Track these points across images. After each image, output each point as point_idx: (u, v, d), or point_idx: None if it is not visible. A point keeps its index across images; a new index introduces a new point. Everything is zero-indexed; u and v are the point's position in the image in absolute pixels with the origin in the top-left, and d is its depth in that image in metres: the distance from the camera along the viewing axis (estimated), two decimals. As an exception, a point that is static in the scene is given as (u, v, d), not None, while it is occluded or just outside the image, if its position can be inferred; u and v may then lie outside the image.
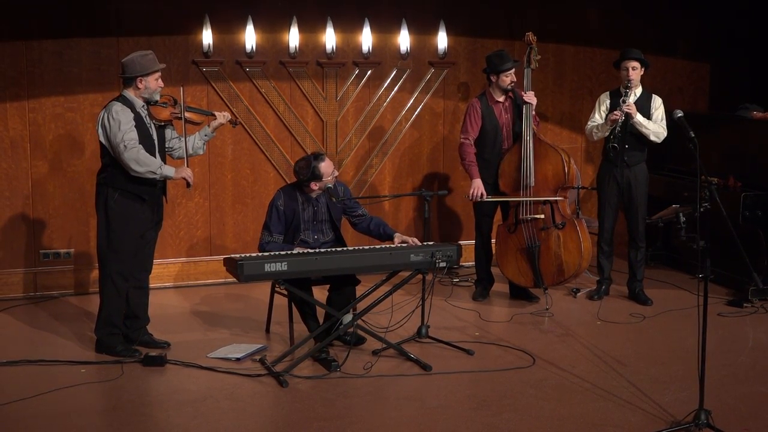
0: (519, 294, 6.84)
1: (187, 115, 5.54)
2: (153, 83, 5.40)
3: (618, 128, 6.50)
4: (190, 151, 5.67)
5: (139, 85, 5.38)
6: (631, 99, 6.55)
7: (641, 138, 6.58)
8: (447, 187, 7.75)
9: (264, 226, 5.70)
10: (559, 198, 6.53)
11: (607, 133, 6.58)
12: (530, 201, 6.52)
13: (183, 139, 5.57)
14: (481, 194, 6.55)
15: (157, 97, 5.46)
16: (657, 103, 6.63)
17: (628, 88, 6.51)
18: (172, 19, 6.99)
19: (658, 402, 4.80)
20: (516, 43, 7.65)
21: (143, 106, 5.42)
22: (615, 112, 6.48)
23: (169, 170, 5.38)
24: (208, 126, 5.71)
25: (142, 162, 5.28)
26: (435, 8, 7.63)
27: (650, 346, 5.78)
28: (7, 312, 6.48)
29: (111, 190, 5.38)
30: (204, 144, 5.75)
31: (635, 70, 6.52)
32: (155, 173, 5.33)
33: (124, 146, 5.24)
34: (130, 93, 5.40)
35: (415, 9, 7.58)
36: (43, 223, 6.90)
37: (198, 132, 5.71)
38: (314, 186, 5.63)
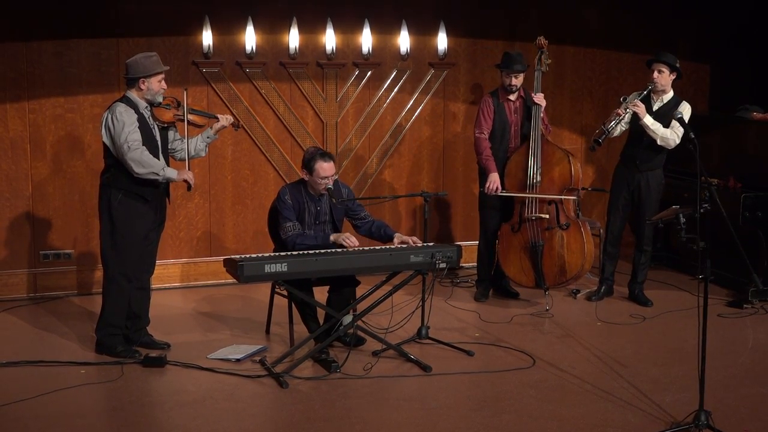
0: (503, 293, 6.92)
1: (190, 117, 5.55)
2: (156, 85, 5.40)
3: (612, 124, 6.42)
4: (192, 153, 5.66)
5: (142, 86, 5.39)
6: (658, 104, 6.47)
7: (656, 144, 6.45)
8: (447, 188, 7.74)
9: (282, 219, 5.61)
10: (572, 197, 6.55)
11: (611, 126, 6.42)
12: (538, 199, 6.53)
13: (185, 140, 5.58)
14: (497, 188, 6.55)
15: (160, 99, 5.46)
16: (680, 108, 6.35)
17: (649, 90, 6.43)
18: (172, 20, 6.99)
19: (658, 403, 4.80)
20: (516, 44, 7.64)
21: (146, 107, 5.43)
22: (618, 110, 6.44)
23: (171, 172, 5.39)
24: (211, 128, 5.71)
25: (145, 163, 5.28)
26: (435, 9, 7.62)
27: (650, 347, 5.78)
28: (8, 313, 6.47)
29: (114, 191, 5.38)
30: (206, 146, 5.75)
31: (661, 74, 6.39)
32: (158, 175, 5.33)
33: (128, 147, 5.24)
34: (133, 94, 5.41)
35: (415, 10, 7.57)
36: (44, 224, 6.90)
37: (200, 134, 5.72)
38: (304, 175, 5.62)
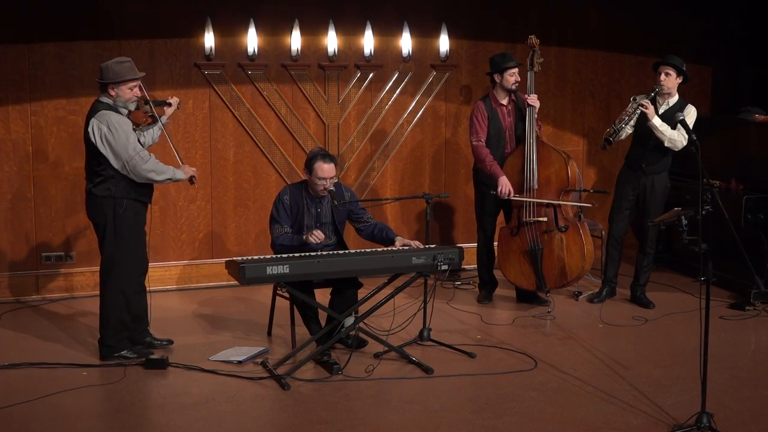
0: (526, 298, 6.82)
1: (156, 109, 5.55)
2: (126, 92, 5.29)
3: (622, 124, 6.40)
4: (150, 142, 5.64)
5: (111, 93, 5.28)
6: (663, 107, 6.46)
7: (662, 147, 6.46)
8: (449, 190, 7.74)
9: (272, 220, 5.67)
10: (587, 204, 6.55)
11: (621, 126, 6.40)
12: (550, 203, 6.51)
13: (145, 134, 5.55)
14: (509, 191, 6.50)
15: (132, 107, 5.37)
16: (686, 111, 6.40)
17: (656, 93, 6.43)
18: (174, 22, 7.00)
19: (660, 405, 4.80)
20: (518, 46, 7.63)
21: (128, 113, 5.37)
22: (628, 109, 6.41)
23: (180, 173, 5.37)
24: (164, 115, 5.71)
25: (160, 171, 5.26)
26: (437, 11, 7.63)
27: (652, 349, 5.78)
28: (10, 315, 6.47)
29: (119, 200, 5.29)
30: (160, 133, 5.70)
31: (668, 76, 6.38)
32: (171, 178, 5.32)
33: (140, 158, 5.19)
34: (105, 99, 5.30)
35: (417, 12, 7.58)
36: (45, 226, 6.90)
37: (156, 123, 5.67)
38: (305, 175, 5.64)
